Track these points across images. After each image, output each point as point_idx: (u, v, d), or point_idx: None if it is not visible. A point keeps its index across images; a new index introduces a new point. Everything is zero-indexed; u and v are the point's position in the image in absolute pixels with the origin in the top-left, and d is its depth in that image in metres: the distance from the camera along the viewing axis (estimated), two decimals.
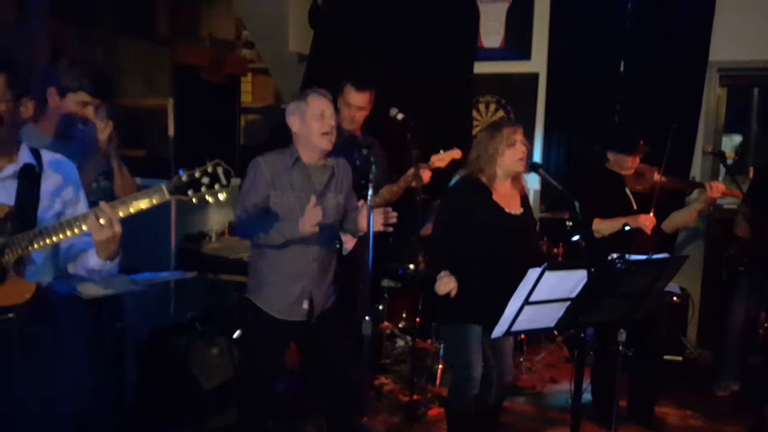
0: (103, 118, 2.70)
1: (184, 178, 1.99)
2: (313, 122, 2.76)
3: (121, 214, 2.00)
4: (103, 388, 2.80)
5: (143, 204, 2.01)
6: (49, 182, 2.15)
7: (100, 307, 2.73)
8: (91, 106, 2.71)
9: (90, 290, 2.60)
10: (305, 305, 2.83)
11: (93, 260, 2.13)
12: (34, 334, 2.11)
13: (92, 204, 2.20)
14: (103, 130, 2.64)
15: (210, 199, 2.01)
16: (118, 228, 2.01)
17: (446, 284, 2.94)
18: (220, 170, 2.00)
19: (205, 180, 1.99)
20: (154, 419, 3.34)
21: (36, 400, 2.13)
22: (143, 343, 3.52)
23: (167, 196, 1.99)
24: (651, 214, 3.54)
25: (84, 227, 2.00)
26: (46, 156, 2.19)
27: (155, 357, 3.50)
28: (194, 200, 2.00)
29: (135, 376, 3.43)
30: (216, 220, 4.45)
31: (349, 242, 3.51)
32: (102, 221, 1.98)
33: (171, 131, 4.45)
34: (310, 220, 2.62)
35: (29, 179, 2.10)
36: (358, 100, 3.63)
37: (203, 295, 4.15)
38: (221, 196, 2.01)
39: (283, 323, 2.84)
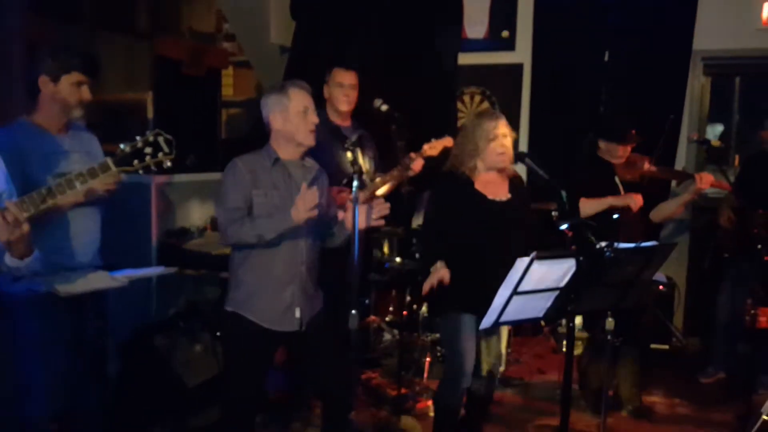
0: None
1: (128, 149, 2.03)
2: (298, 120, 2.63)
3: (32, 210, 1.95)
4: (84, 387, 2.75)
5: (75, 191, 2.00)
6: None
7: (81, 304, 2.66)
8: (85, 85, 2.65)
9: (68, 288, 2.53)
10: (297, 313, 2.67)
11: (7, 258, 2.08)
12: None
13: None
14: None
15: (155, 168, 2.06)
16: (26, 227, 1.96)
17: (441, 273, 2.94)
18: (161, 139, 2.05)
19: (148, 150, 2.04)
20: (137, 418, 3.29)
21: None
22: (125, 341, 3.46)
23: (113, 168, 2.02)
24: (639, 194, 3.54)
25: None
26: None
27: (137, 354, 3.45)
28: (140, 171, 2.05)
29: (117, 373, 3.38)
30: (198, 216, 4.39)
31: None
32: (8, 221, 1.92)
33: (151, 125, 4.37)
34: (306, 203, 2.47)
35: None
36: (349, 78, 3.71)
37: (185, 292, 4.09)
38: (167, 164, 2.07)
39: (273, 333, 2.68)
